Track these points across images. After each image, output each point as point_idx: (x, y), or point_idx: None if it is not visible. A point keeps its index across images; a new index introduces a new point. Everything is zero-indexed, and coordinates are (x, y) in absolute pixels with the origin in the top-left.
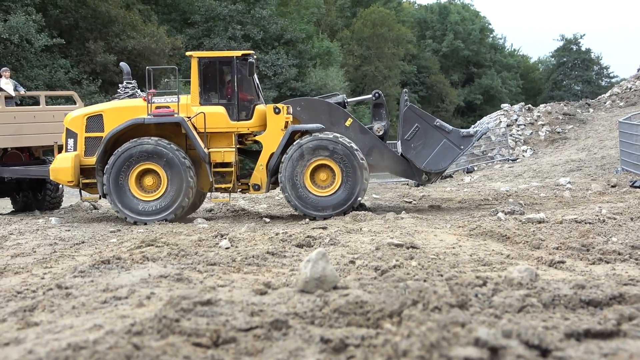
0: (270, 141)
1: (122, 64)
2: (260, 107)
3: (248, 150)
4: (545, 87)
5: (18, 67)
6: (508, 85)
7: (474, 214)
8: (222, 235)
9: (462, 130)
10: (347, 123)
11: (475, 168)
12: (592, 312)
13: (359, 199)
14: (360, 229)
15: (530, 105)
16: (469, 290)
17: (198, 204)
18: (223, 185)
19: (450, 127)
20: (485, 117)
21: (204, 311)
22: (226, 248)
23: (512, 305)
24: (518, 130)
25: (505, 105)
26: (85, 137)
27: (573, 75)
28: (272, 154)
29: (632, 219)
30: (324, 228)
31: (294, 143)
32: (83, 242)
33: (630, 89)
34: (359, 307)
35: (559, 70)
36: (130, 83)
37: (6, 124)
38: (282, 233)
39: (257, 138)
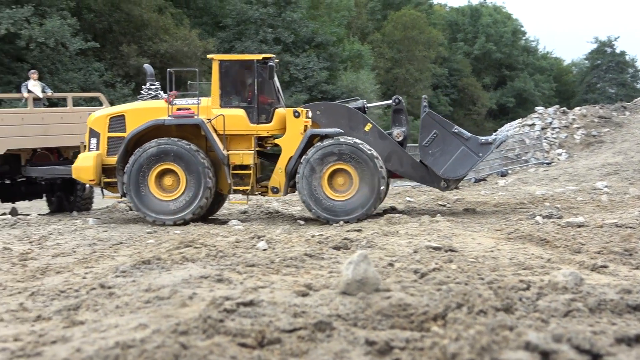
0: (290, 145)
1: (145, 65)
2: (280, 111)
3: (270, 154)
4: (579, 90)
5: (53, 71)
6: (541, 88)
7: (510, 218)
8: (258, 237)
9: (481, 137)
10: (367, 128)
11: (510, 171)
12: None
13: (375, 206)
14: (397, 231)
15: (565, 108)
16: (513, 294)
17: (217, 207)
18: (241, 188)
19: (469, 134)
20: (506, 125)
21: (247, 312)
22: (263, 250)
23: (557, 309)
24: (553, 134)
25: (539, 108)
26: (108, 137)
27: (607, 78)
28: (291, 157)
29: None
30: (359, 230)
31: (313, 146)
32: (121, 243)
33: None
34: (402, 310)
35: (592, 73)
36: (154, 84)
37: (34, 124)
38: (318, 235)
39: (276, 141)
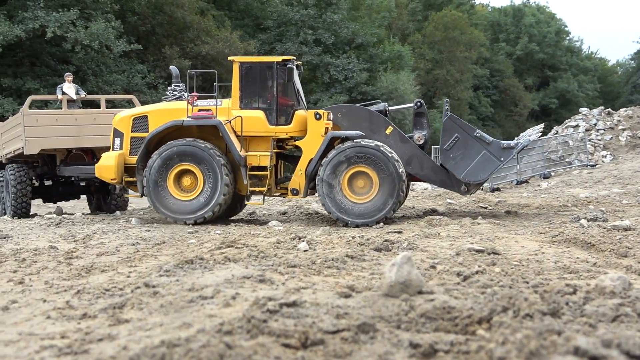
0: (310, 147)
1: (171, 67)
2: (300, 113)
3: (291, 156)
4: (624, 91)
5: (97, 73)
6: (585, 88)
7: (553, 221)
8: (299, 238)
9: (503, 141)
10: (388, 131)
11: (552, 174)
12: None
13: (394, 209)
14: (438, 233)
15: (609, 109)
16: (559, 298)
17: (239, 207)
18: (258, 189)
19: (491, 139)
20: (528, 130)
21: (290, 313)
22: (305, 250)
23: (605, 314)
24: (597, 135)
25: (583, 110)
26: (131, 137)
27: None
28: (311, 159)
29: None
30: (400, 232)
31: (335, 148)
32: (163, 243)
33: None
34: (446, 313)
35: (638, 74)
36: (179, 86)
37: (68, 125)
38: (359, 236)
39: (297, 143)
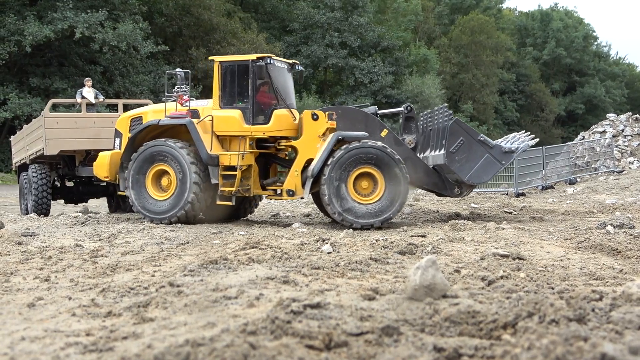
0: (306, 147)
1: (178, 69)
2: (281, 112)
3: (277, 157)
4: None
5: (124, 73)
6: (612, 94)
7: (579, 227)
8: (323, 240)
9: (504, 146)
10: (383, 134)
11: (578, 179)
12: None
13: (400, 210)
14: (462, 238)
15: (637, 115)
16: (585, 304)
17: (248, 208)
18: (227, 188)
19: (494, 143)
20: (514, 134)
21: (313, 314)
22: (328, 253)
23: (632, 321)
24: (624, 141)
25: (611, 115)
26: (129, 137)
27: None
28: (308, 160)
29: None
30: (424, 236)
31: (342, 148)
32: (188, 243)
33: None
34: (471, 317)
35: None
36: (181, 88)
37: (87, 128)
38: (383, 240)
39: (293, 143)
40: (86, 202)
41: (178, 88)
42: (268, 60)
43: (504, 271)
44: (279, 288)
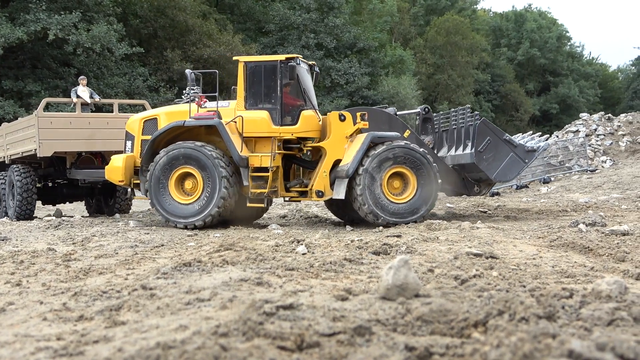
0: (334, 148)
1: (187, 70)
2: (307, 113)
3: (301, 159)
4: (625, 97)
5: (99, 75)
6: (586, 94)
7: (552, 225)
8: (298, 241)
9: (527, 145)
10: (406, 134)
11: (552, 178)
12: None
13: (431, 209)
14: (437, 237)
15: (610, 114)
16: (555, 302)
17: (262, 210)
18: (259, 190)
19: (517, 142)
20: (524, 135)
21: (286, 315)
22: (303, 254)
23: (601, 318)
24: (597, 141)
25: (584, 115)
26: (142, 140)
27: None
28: (336, 160)
29: None
30: (399, 236)
31: (380, 148)
32: (162, 245)
33: None
34: (442, 316)
35: (639, 80)
36: (193, 89)
37: (81, 129)
38: (358, 240)
39: (321, 144)
40: (71, 203)
41: (189, 89)
42: (297, 61)
43: (476, 270)
44: (252, 290)
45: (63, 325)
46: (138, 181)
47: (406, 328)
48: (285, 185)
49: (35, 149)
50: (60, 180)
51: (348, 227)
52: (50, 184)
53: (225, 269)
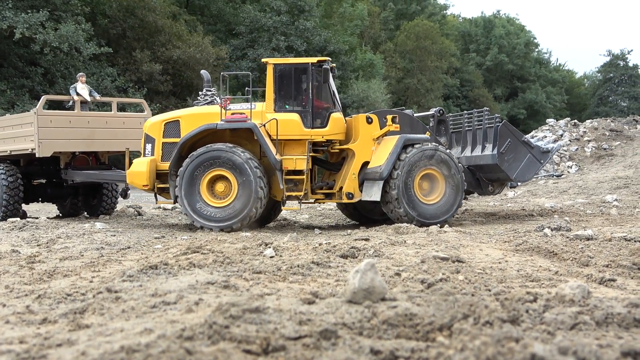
0: (362, 150)
1: (202, 72)
2: (336, 115)
3: (324, 160)
4: (591, 103)
5: (66, 75)
6: (552, 100)
7: (518, 230)
8: (266, 244)
9: (542, 146)
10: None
11: (519, 183)
12: None
13: (460, 207)
14: (404, 241)
15: (576, 120)
16: (519, 306)
17: (273, 214)
18: (294, 193)
19: (534, 143)
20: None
21: (252, 318)
22: (271, 257)
23: (564, 322)
24: (563, 146)
25: (550, 121)
26: (163, 143)
27: (619, 92)
28: (364, 163)
29: None
30: (367, 240)
31: (412, 151)
32: (129, 247)
33: None
34: (408, 320)
35: (605, 86)
36: (210, 90)
37: (81, 128)
38: (326, 243)
39: (350, 147)
40: (53, 203)
41: (207, 90)
42: (328, 64)
43: (443, 274)
44: (219, 293)
45: (26, 328)
46: (162, 185)
47: (372, 332)
48: (311, 187)
49: (32, 149)
50: (43, 179)
51: (317, 231)
52: (35, 183)
53: (192, 272)
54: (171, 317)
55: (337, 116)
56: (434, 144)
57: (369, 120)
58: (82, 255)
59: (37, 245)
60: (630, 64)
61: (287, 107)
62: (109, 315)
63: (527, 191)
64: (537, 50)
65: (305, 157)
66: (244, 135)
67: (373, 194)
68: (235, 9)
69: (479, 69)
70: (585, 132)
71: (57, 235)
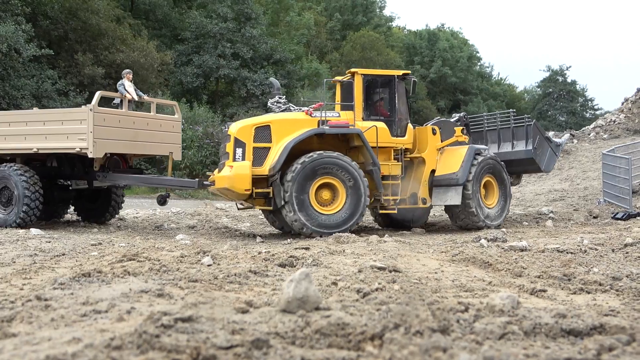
0: (430, 158)
1: (271, 79)
2: (410, 126)
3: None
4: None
5: (5, 77)
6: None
7: (456, 240)
8: (204, 252)
9: (557, 140)
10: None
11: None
12: (573, 341)
13: (508, 212)
14: (344, 250)
15: None
16: (450, 316)
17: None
18: (392, 198)
19: (552, 139)
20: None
21: (184, 328)
22: (208, 265)
23: (493, 331)
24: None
25: None
26: (253, 147)
27: (558, 106)
28: (432, 170)
29: (613, 250)
30: (307, 249)
31: (480, 158)
32: (63, 254)
33: (614, 121)
34: (340, 329)
35: (544, 101)
36: (282, 98)
37: (128, 128)
38: (265, 252)
39: (423, 155)
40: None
41: (278, 97)
42: (413, 77)
43: (379, 283)
44: (152, 301)
45: None
46: (259, 190)
47: (304, 341)
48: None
49: (83, 148)
50: (64, 181)
51: (258, 239)
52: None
53: (126, 280)
54: (101, 326)
55: (411, 127)
56: (493, 153)
57: (434, 132)
58: (14, 262)
59: None
60: (569, 80)
61: (375, 116)
62: (37, 324)
63: None
64: (479, 64)
65: (400, 163)
66: (332, 142)
67: (449, 198)
68: (181, 14)
69: (423, 81)
70: None
71: None
